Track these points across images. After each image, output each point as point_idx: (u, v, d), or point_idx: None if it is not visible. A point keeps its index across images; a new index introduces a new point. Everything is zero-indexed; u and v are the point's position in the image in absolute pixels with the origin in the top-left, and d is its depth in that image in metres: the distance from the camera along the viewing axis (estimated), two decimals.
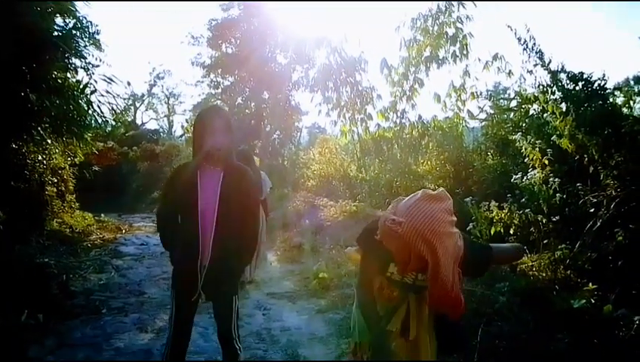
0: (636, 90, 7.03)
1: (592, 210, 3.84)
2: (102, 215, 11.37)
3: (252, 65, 18.49)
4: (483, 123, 8.92)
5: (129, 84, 28.40)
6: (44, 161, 8.27)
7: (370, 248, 1.90)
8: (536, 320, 2.89)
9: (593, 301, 2.96)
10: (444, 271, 1.60)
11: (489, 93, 8.81)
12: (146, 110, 32.82)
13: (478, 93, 9.77)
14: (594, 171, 4.14)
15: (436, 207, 1.61)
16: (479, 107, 9.32)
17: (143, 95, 31.61)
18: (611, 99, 5.75)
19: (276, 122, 19.82)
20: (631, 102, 6.76)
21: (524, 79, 7.96)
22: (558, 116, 4.42)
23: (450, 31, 10.27)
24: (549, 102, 4.61)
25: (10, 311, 4.16)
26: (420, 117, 10.70)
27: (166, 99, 32.39)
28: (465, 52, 10.26)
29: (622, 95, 6.77)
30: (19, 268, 5.15)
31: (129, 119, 26.52)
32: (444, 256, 1.58)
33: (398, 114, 10.93)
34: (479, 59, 9.71)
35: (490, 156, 7.70)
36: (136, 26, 46.74)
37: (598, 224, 3.68)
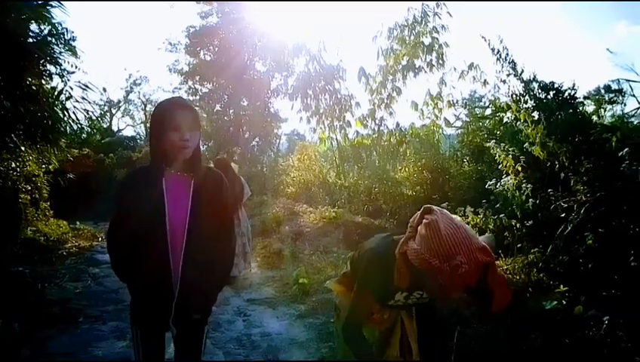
0: (607, 98, 7.28)
1: (562, 215, 3.97)
2: (77, 223, 11.16)
3: (230, 72, 18.49)
4: (459, 130, 9.11)
5: (104, 90, 28.10)
6: (18, 169, 8.11)
7: (379, 289, 1.77)
8: (511, 321, 2.99)
9: (565, 302, 3.07)
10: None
11: (464, 101, 8.99)
12: (122, 116, 32.24)
13: (455, 102, 10.03)
14: (565, 177, 4.28)
15: (455, 223, 1.53)
16: (455, 115, 9.53)
17: (119, 101, 31.20)
18: (581, 108, 5.97)
19: (255, 129, 19.83)
20: (600, 111, 7.01)
21: (499, 88, 8.23)
22: (530, 124, 4.57)
23: (427, 40, 10.50)
24: (522, 111, 4.74)
25: None
26: (397, 124, 10.93)
27: (143, 105, 31.90)
28: (441, 61, 10.51)
29: (592, 103, 7.02)
30: None
31: (105, 126, 26.16)
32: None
33: (377, 121, 11.12)
34: (455, 69, 9.99)
35: (467, 163, 7.88)
36: (111, 32, 46.23)
37: (569, 228, 3.81)
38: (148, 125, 31.44)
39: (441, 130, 10.17)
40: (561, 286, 3.22)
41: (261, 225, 8.85)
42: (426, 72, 10.50)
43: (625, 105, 6.73)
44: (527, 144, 4.62)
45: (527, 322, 2.92)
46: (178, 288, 1.89)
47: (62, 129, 7.72)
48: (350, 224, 7.49)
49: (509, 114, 6.28)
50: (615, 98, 6.75)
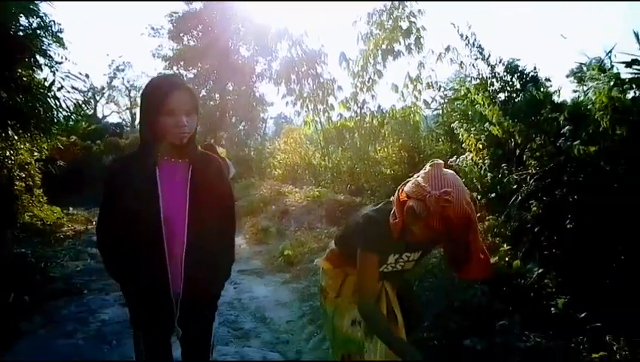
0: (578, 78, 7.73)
1: (514, 187, 4.47)
2: (70, 208, 11.49)
3: (215, 57, 18.67)
4: (434, 112, 9.55)
5: (87, 76, 27.94)
6: (12, 157, 8.42)
7: (382, 246, 1.80)
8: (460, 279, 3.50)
9: (507, 259, 3.59)
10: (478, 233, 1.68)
11: (438, 84, 9.42)
12: (107, 103, 32.19)
13: (433, 84, 10.45)
14: (520, 154, 4.77)
15: (455, 174, 1.68)
16: (431, 97, 9.94)
17: (102, 88, 31.03)
18: (542, 89, 6.44)
19: (241, 113, 20.10)
20: (561, 91, 7.47)
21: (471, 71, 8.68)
22: (487, 106, 5.02)
23: (404, 24, 10.85)
24: (480, 94, 5.19)
25: None
26: (379, 106, 11.31)
27: (127, 91, 31.83)
28: (419, 45, 10.90)
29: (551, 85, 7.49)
30: None
31: (89, 112, 26.10)
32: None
33: (359, 104, 11.47)
34: (432, 52, 10.35)
35: (442, 142, 8.33)
36: (92, 17, 45.56)
37: (520, 198, 4.31)
38: (134, 111, 31.54)
39: (420, 111, 10.63)
40: (505, 245, 3.74)
41: (249, 205, 9.29)
42: (404, 55, 10.93)
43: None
44: (487, 124, 5.08)
45: None
46: (182, 285, 1.74)
47: (54, 118, 8.06)
48: (333, 202, 7.95)
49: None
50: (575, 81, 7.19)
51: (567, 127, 4.12)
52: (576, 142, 3.74)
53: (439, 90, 9.22)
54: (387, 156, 9.17)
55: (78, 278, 5.47)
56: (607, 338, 2.40)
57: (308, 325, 3.76)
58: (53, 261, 6.24)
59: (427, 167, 1.68)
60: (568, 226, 3.62)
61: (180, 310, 1.77)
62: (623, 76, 4.11)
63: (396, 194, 1.75)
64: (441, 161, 1.70)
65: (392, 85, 10.94)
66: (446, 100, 9.15)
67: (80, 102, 8.87)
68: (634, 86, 3.83)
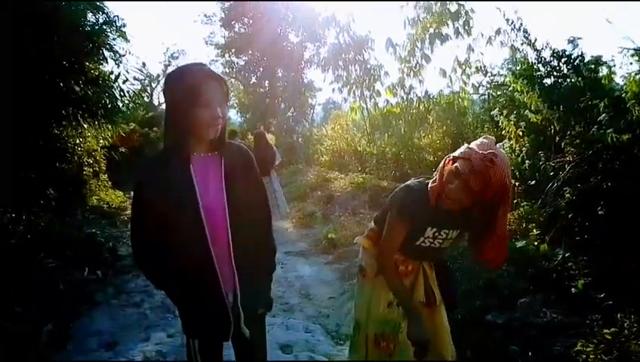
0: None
1: (552, 174, 4.57)
2: (131, 193, 12.31)
3: (265, 44, 19.08)
4: (481, 97, 9.53)
5: (144, 65, 29.13)
6: (81, 145, 9.18)
7: (416, 213, 1.84)
8: None
9: (536, 243, 3.75)
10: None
11: (485, 68, 9.35)
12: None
13: (482, 68, 10.31)
14: (559, 141, 4.84)
15: (504, 152, 1.74)
16: (477, 83, 9.87)
17: (158, 75, 32.08)
18: (590, 74, 6.35)
19: (290, 100, 20.51)
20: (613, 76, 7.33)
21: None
22: (526, 93, 5.09)
23: (453, 7, 10.77)
24: (519, 81, 5.25)
25: (74, 268, 5.11)
26: (426, 92, 11.29)
27: None
28: (467, 28, 10.80)
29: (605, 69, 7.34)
30: (72, 237, 6.11)
31: (146, 100, 27.19)
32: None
33: (406, 90, 11.51)
34: (482, 35, 10.19)
35: (486, 129, 8.35)
36: (147, 6, 47.08)
37: (557, 185, 4.41)
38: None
39: (468, 97, 10.56)
40: (534, 230, 3.89)
41: (296, 191, 9.70)
42: (451, 39, 10.85)
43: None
44: (527, 111, 5.16)
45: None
46: (238, 285, 1.67)
47: (119, 108, 8.74)
48: (377, 188, 8.20)
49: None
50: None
51: (604, 115, 4.17)
52: (609, 130, 3.81)
53: (486, 75, 9.14)
54: (431, 143, 9.29)
55: None
56: (619, 316, 2.58)
57: (347, 301, 4.08)
58: (119, 240, 6.87)
59: (480, 138, 1.76)
60: (600, 213, 3.73)
61: (243, 309, 1.68)
62: None
63: (442, 161, 1.81)
64: (493, 138, 1.77)
65: (440, 70, 10.95)
66: (492, 86, 9.11)
67: (138, 90, 9.56)
68: None
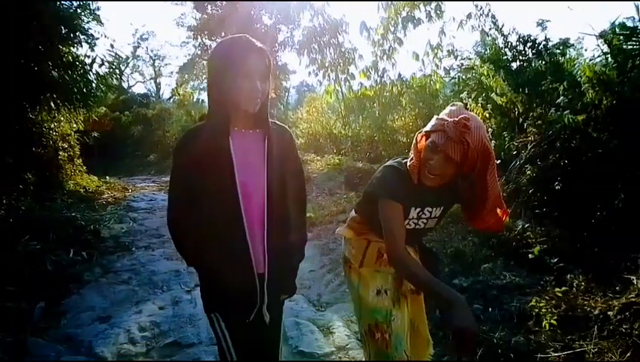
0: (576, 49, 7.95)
1: (515, 153, 4.91)
2: (107, 177, 12.29)
3: (238, 25, 18.91)
4: (450, 80, 9.84)
5: (112, 46, 28.43)
6: (56, 129, 9.14)
7: (402, 193, 1.72)
8: (457, 231, 4.04)
9: None
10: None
11: (455, 52, 9.66)
12: (132, 73, 32.16)
13: (454, 51, 10.61)
14: (522, 122, 5.18)
15: (475, 114, 1.71)
16: (447, 67, 10.17)
17: (127, 57, 31.17)
18: (553, 58, 6.70)
19: None
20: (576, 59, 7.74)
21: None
22: (491, 77, 5.41)
23: None
24: (485, 65, 5.56)
25: (60, 250, 5.23)
26: (399, 75, 11.53)
27: (151, 61, 31.77)
28: (439, 12, 11.05)
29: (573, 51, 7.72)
30: (54, 221, 6.20)
31: (113, 82, 26.50)
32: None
33: (379, 73, 11.74)
34: (454, 19, 10.47)
35: None
36: None
37: (520, 163, 4.75)
38: (158, 81, 31.63)
39: (440, 80, 10.85)
40: None
41: None
42: (423, 22, 11.09)
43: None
44: (493, 94, 5.48)
45: (468, 230, 4.00)
46: (267, 268, 1.63)
47: (94, 92, 8.74)
48: (352, 169, 8.46)
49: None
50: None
51: (562, 97, 4.51)
52: (566, 112, 4.14)
53: (456, 59, 9.46)
54: (404, 125, 9.59)
55: (125, 238, 6.18)
56: (569, 276, 2.93)
57: (327, 274, 4.38)
58: (100, 223, 6.97)
59: (448, 107, 1.72)
60: (557, 188, 4.08)
61: (267, 293, 1.64)
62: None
63: (414, 139, 1.77)
64: (461, 103, 1.74)
65: (413, 53, 11.18)
66: (462, 69, 9.43)
67: (109, 73, 9.54)
68: (618, 60, 4.17)
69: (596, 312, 2.57)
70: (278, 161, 1.63)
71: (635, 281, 2.65)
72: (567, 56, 7.32)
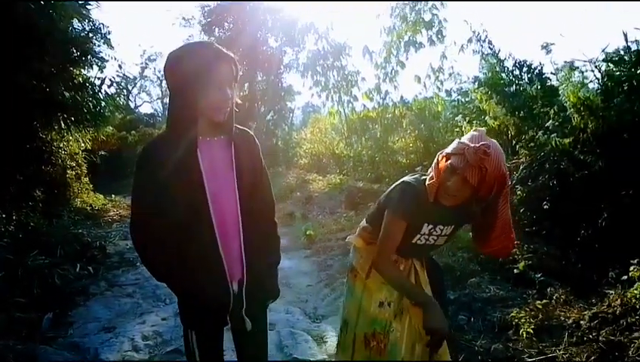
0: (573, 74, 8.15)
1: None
2: (113, 196, 12.50)
3: (245, 47, 19.38)
4: (451, 103, 10.08)
5: (120, 67, 28.92)
6: (65, 148, 9.41)
7: (414, 211, 1.81)
8: (447, 247, 4.25)
9: None
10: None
11: (453, 76, 9.91)
12: (139, 93, 32.44)
13: (457, 74, 10.86)
14: (515, 144, 5.37)
15: (496, 142, 1.74)
16: (449, 89, 10.41)
17: (135, 78, 31.30)
18: (548, 83, 6.93)
19: (269, 103, 20.82)
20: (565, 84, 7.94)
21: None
22: (484, 101, 5.62)
23: (427, 17, 11.30)
24: (478, 91, 5.78)
25: (67, 264, 5.41)
26: (402, 97, 11.79)
27: (159, 81, 31.65)
28: (440, 36, 11.35)
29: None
30: (61, 237, 6.39)
31: (122, 102, 26.74)
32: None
33: (382, 95, 12.00)
34: (455, 43, 10.74)
35: (455, 133, 8.90)
36: (123, 7, 46.61)
37: (511, 183, 4.92)
38: (165, 101, 31.99)
39: (442, 102, 11.09)
40: None
41: (277, 192, 9.91)
42: (424, 46, 11.38)
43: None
44: (487, 117, 5.68)
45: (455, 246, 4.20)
46: (245, 276, 1.61)
47: (103, 112, 9.02)
48: (353, 189, 8.65)
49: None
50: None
51: (551, 121, 4.71)
52: (553, 135, 4.33)
53: (455, 83, 9.70)
54: (404, 146, 9.79)
55: (130, 254, 6.33)
56: (549, 289, 3.09)
57: (324, 288, 4.54)
58: (106, 240, 7.16)
59: (470, 131, 1.77)
60: (545, 207, 4.25)
61: (246, 300, 1.62)
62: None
63: (436, 158, 1.81)
64: (484, 129, 1.79)
65: (415, 76, 11.45)
66: (461, 93, 9.69)
67: (117, 93, 9.84)
68: (608, 85, 4.37)
69: (570, 322, 2.74)
70: (246, 166, 1.61)
71: (610, 294, 2.81)
72: (556, 81, 7.54)
